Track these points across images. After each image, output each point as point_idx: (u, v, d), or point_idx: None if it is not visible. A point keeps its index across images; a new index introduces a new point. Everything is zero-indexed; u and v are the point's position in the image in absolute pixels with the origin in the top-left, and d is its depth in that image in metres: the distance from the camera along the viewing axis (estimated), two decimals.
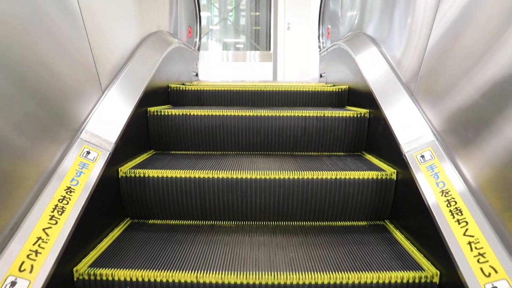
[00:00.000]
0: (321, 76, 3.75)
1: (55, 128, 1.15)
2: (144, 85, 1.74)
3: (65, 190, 1.09)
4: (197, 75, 3.80)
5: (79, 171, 1.17)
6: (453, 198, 1.08)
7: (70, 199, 1.09)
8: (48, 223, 1.01)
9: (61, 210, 1.05)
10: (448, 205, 1.08)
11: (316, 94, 2.41)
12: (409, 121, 1.40)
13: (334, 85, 2.60)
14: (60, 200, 1.07)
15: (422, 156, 1.26)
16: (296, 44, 6.87)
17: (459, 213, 1.04)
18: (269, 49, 7.25)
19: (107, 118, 1.39)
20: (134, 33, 1.91)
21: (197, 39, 4.12)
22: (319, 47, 4.17)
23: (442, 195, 1.11)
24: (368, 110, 1.89)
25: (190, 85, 2.55)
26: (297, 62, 6.87)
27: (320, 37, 4.21)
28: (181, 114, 1.87)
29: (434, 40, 1.34)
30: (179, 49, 2.73)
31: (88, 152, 1.24)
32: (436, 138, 1.26)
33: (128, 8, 1.88)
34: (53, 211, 1.04)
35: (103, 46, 1.50)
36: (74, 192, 1.11)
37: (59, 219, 1.03)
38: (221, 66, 7.27)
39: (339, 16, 3.23)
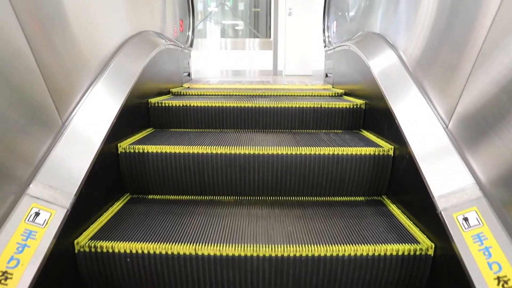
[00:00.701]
0: (326, 75, 3.40)
1: None
2: (117, 109, 1.41)
3: None
4: (189, 74, 3.44)
5: (21, 245, 0.88)
6: None
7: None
8: None
9: None
10: None
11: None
12: (445, 164, 1.11)
13: (343, 92, 2.45)
14: None
15: (466, 219, 0.97)
16: (297, 32, 6.43)
17: None
18: (269, 37, 6.87)
19: (67, 160, 1.10)
20: (110, 39, 1.58)
21: (190, 33, 3.68)
22: (324, 41, 3.71)
23: (498, 284, 0.83)
24: (363, 101, 1.89)
25: (179, 93, 2.40)
26: (299, 51, 6.48)
27: (325, 31, 3.75)
28: (181, 105, 1.90)
29: (485, 61, 1.03)
30: (167, 51, 2.40)
31: (37, 214, 0.95)
32: (484, 193, 0.98)
33: (100, 8, 1.54)
34: None
35: (61, 63, 1.18)
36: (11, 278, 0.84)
37: None
38: (219, 54, 6.88)
39: (348, 9, 2.81)
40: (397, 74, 1.53)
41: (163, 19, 2.64)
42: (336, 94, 2.42)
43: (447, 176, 1.08)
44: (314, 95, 2.38)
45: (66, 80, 1.22)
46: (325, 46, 3.63)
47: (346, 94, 2.42)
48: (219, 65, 6.80)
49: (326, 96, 2.40)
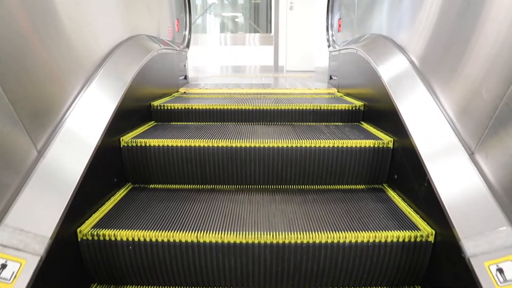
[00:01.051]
0: (331, 77, 3.25)
1: None
2: (102, 128, 1.28)
3: None
4: (186, 77, 3.27)
5: None
6: None
7: None
8: None
9: None
10: None
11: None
12: (472, 200, 0.97)
13: (347, 95, 2.42)
14: None
15: (500, 271, 0.83)
16: (299, 26, 6.22)
17: None
18: (270, 32, 6.75)
19: (41, 198, 0.95)
20: (97, 47, 1.47)
21: (187, 32, 3.46)
22: (328, 40, 3.50)
23: None
24: (363, 103, 1.88)
25: (175, 98, 2.34)
26: (301, 47, 6.28)
27: (329, 29, 3.52)
28: (183, 108, 1.94)
29: None
30: (161, 56, 2.23)
31: (4, 266, 0.79)
32: None
33: (88, 11, 1.41)
34: None
35: (36, 80, 1.05)
36: None
37: None
38: (219, 50, 6.74)
39: (354, 7, 2.60)
40: (411, 83, 1.40)
41: (157, 20, 2.48)
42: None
43: (476, 215, 0.95)
44: (321, 98, 2.36)
45: (41, 102, 1.09)
46: (329, 46, 3.43)
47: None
48: (219, 61, 6.62)
49: (332, 98, 2.37)
